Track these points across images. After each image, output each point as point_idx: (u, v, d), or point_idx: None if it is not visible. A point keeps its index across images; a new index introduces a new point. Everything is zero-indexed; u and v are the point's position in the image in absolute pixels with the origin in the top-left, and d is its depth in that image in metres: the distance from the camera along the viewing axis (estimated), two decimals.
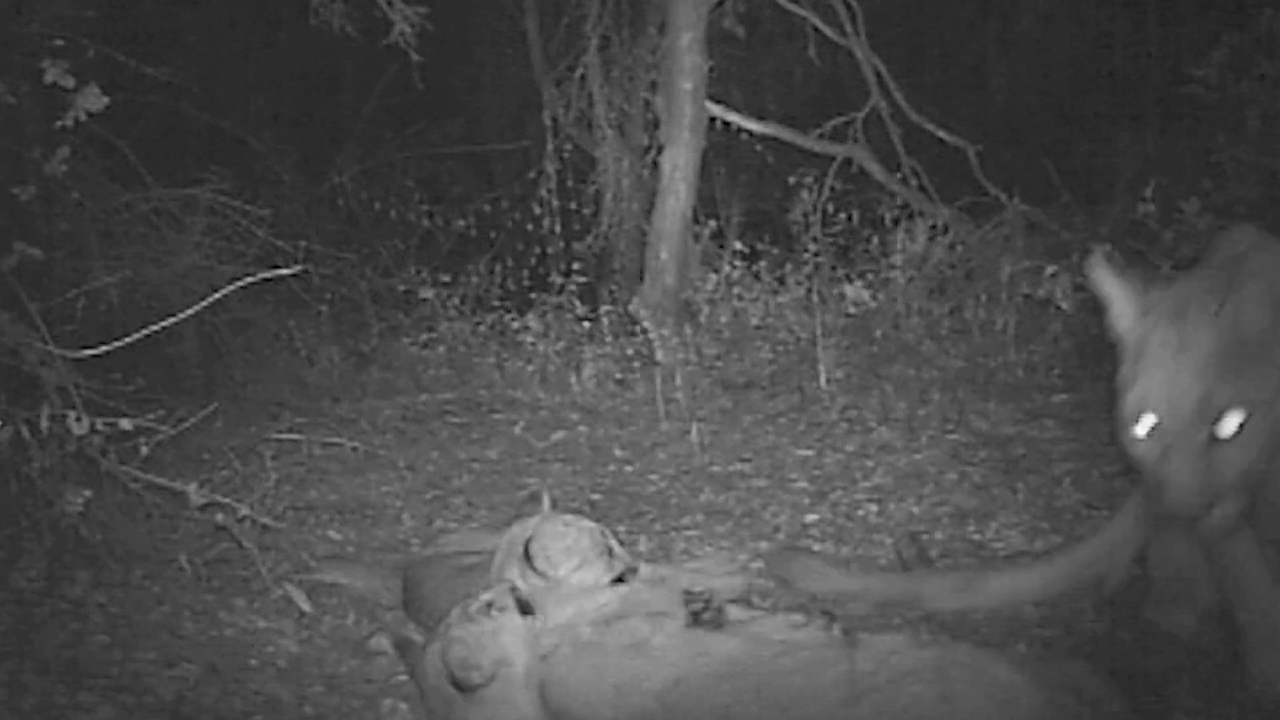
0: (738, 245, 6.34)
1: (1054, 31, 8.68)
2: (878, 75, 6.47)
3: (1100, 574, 3.05)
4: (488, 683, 2.82)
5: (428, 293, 6.57)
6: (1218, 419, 2.07)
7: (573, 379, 5.77)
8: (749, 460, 4.70)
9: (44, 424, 3.24)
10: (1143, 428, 2.14)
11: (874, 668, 2.48)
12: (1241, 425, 2.07)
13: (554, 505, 3.58)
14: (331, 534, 4.17)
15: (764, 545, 3.88)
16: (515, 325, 6.23)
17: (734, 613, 2.83)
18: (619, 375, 5.77)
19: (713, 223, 6.53)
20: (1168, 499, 2.10)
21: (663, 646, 2.73)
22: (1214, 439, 2.08)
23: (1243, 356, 2.07)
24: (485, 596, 2.95)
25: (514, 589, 2.97)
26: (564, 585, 3.00)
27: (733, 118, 6.56)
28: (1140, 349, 2.16)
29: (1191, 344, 2.09)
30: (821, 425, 4.97)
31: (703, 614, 2.81)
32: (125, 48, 4.53)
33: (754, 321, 5.96)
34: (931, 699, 2.37)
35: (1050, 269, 5.42)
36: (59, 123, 3.38)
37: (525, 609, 2.91)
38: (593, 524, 3.18)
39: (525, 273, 7.03)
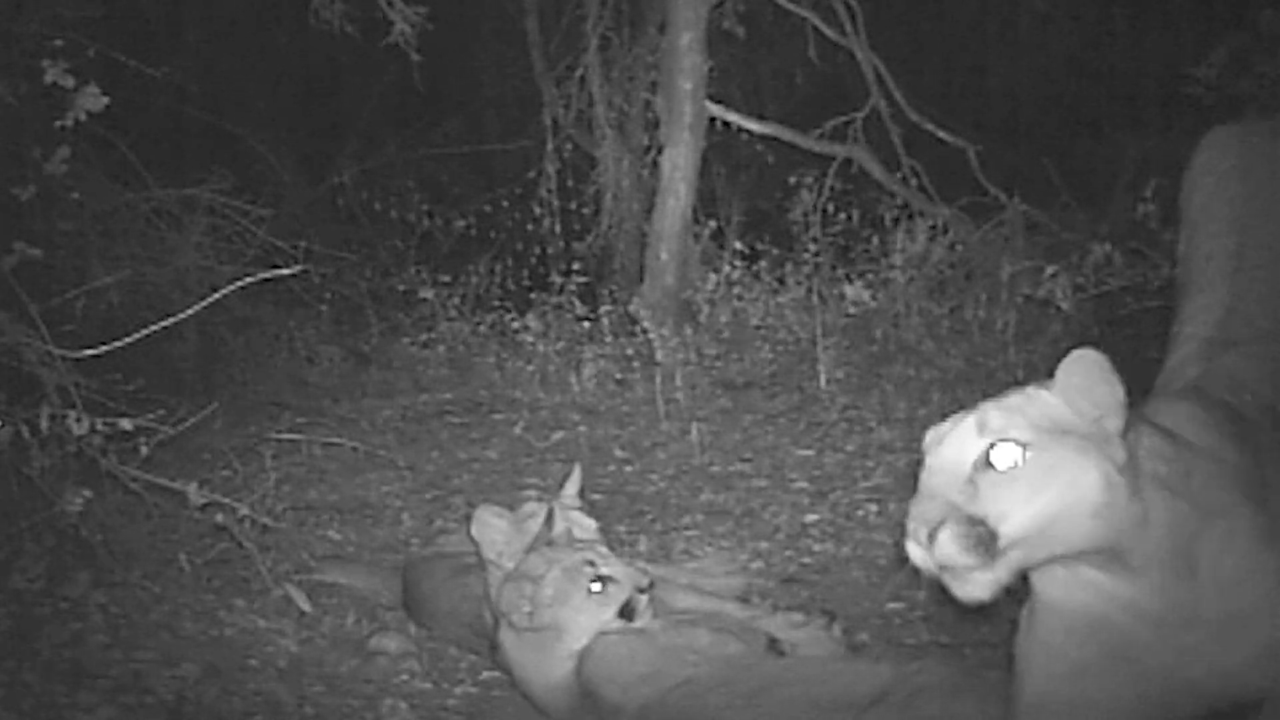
0: (738, 245, 6.34)
1: (1054, 31, 8.65)
2: (878, 75, 6.46)
3: None
4: (526, 629, 2.83)
5: (428, 293, 6.56)
6: (990, 441, 1.78)
7: (573, 379, 5.77)
8: (749, 460, 4.70)
9: (44, 424, 3.24)
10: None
11: (894, 683, 2.48)
12: (1024, 460, 1.74)
13: (583, 491, 3.55)
14: (331, 534, 4.18)
15: (764, 545, 3.88)
16: (515, 325, 6.22)
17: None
18: (619, 375, 5.76)
19: (713, 223, 6.53)
20: (908, 520, 1.75)
21: (698, 649, 2.75)
22: (983, 469, 1.77)
23: (1054, 423, 1.82)
24: (607, 571, 2.85)
25: (639, 587, 2.86)
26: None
27: (733, 118, 6.55)
28: None
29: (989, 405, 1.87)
30: (821, 425, 4.97)
31: (779, 642, 2.83)
32: (125, 48, 4.52)
33: (754, 321, 5.95)
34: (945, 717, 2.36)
35: (1050, 269, 5.41)
36: (59, 123, 3.37)
37: (625, 613, 2.84)
38: (578, 556, 2.91)
39: (525, 273, 7.04)
